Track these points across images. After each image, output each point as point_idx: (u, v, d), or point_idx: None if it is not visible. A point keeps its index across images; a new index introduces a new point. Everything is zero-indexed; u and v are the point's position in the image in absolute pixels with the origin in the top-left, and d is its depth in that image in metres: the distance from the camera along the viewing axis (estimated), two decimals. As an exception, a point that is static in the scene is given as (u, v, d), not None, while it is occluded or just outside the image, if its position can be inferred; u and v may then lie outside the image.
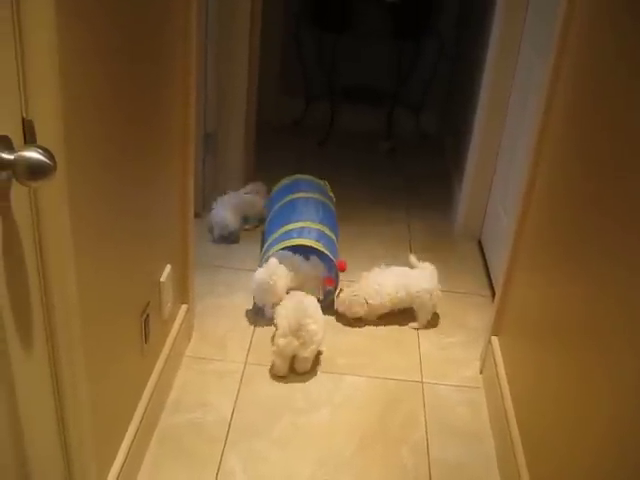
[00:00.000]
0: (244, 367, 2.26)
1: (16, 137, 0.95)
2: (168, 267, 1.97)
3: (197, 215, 2.57)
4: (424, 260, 2.61)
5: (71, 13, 1.10)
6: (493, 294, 2.50)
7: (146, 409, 1.81)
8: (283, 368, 2.21)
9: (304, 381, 2.23)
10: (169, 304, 2.01)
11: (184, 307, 2.23)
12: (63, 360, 1.19)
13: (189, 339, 2.34)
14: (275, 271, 2.36)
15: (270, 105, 3.99)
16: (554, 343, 1.67)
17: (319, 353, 2.30)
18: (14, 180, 0.92)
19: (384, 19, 3.90)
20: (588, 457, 1.36)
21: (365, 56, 4.23)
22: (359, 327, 2.52)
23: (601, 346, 1.36)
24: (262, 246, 2.72)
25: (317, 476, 1.88)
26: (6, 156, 0.89)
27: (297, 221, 2.60)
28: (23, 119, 0.97)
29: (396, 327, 2.53)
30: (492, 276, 2.81)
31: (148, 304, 1.79)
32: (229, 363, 2.27)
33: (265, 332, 2.40)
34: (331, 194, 2.93)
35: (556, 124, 1.84)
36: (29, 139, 0.98)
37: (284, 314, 2.18)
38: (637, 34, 1.36)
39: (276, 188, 2.94)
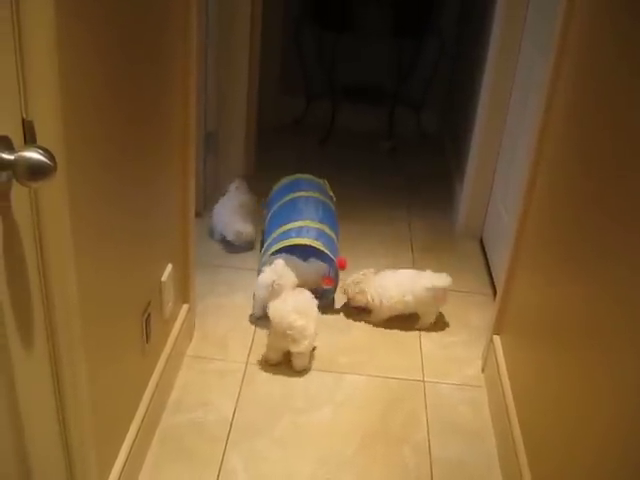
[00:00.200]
0: (245, 367, 2.26)
1: (16, 137, 0.94)
2: (169, 267, 1.97)
3: (198, 215, 2.58)
4: (426, 259, 2.61)
5: (71, 13, 1.10)
6: (495, 293, 2.50)
7: (147, 409, 1.81)
8: (274, 358, 2.25)
9: (305, 380, 2.23)
10: (170, 304, 2.01)
11: (185, 307, 2.23)
12: (64, 360, 1.19)
13: (190, 339, 2.34)
14: (282, 273, 2.35)
15: (270, 104, 3.99)
16: (556, 342, 1.67)
17: (314, 349, 2.30)
18: (14, 180, 0.92)
19: (385, 17, 3.90)
20: (590, 456, 1.36)
21: (366, 55, 4.23)
22: (363, 321, 2.53)
23: (602, 345, 1.36)
24: (262, 245, 2.72)
25: (318, 475, 1.88)
26: (6, 156, 0.89)
27: (297, 220, 2.59)
28: (23, 119, 0.97)
29: (397, 326, 2.53)
30: (494, 275, 2.81)
31: (149, 304, 1.79)
32: (230, 363, 2.27)
33: (266, 332, 2.40)
34: (331, 193, 2.93)
35: (557, 123, 1.84)
36: (29, 139, 0.98)
37: (273, 311, 2.21)
38: (637, 33, 1.35)
39: (276, 187, 2.94)
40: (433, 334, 2.51)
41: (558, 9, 1.84)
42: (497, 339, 2.20)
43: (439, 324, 2.55)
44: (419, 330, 2.52)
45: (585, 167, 1.58)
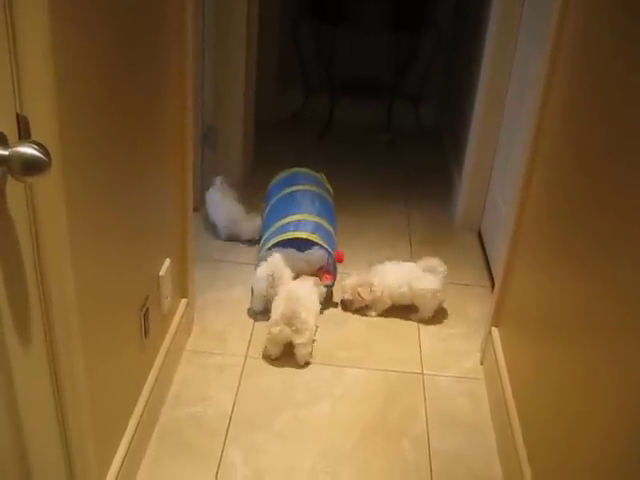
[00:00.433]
0: (244, 360, 2.26)
1: (11, 133, 0.94)
2: (167, 261, 1.97)
3: (196, 209, 2.57)
4: (424, 252, 2.61)
5: (66, 17, 1.10)
6: (493, 285, 2.50)
7: (146, 403, 1.81)
8: (275, 352, 2.25)
9: (304, 374, 2.23)
10: (168, 298, 2.01)
11: (184, 301, 2.23)
12: (61, 356, 1.19)
13: (189, 333, 2.34)
14: (279, 267, 2.37)
15: (268, 99, 3.98)
16: (554, 334, 1.67)
17: (313, 341, 2.31)
18: (9, 176, 0.92)
19: (382, 11, 3.88)
20: (592, 451, 1.35)
21: (363, 49, 4.22)
22: (361, 315, 2.53)
23: (604, 339, 1.35)
24: (260, 239, 2.72)
25: (318, 469, 1.88)
26: (1, 152, 0.89)
27: (294, 214, 2.59)
28: (17, 115, 0.97)
29: (396, 319, 2.53)
30: (492, 267, 2.81)
31: (147, 298, 1.79)
32: (229, 357, 2.27)
33: (265, 325, 2.40)
34: (329, 186, 2.93)
35: (553, 118, 1.84)
36: (24, 135, 0.98)
37: (277, 303, 2.23)
38: (633, 29, 1.35)
39: (273, 181, 2.93)
40: (431, 327, 2.51)
41: (554, 5, 1.85)
42: (495, 331, 2.20)
43: (437, 317, 2.55)
44: (416, 322, 2.52)
45: (581, 162, 1.58)
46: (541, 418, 1.70)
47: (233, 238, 2.91)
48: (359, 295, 2.48)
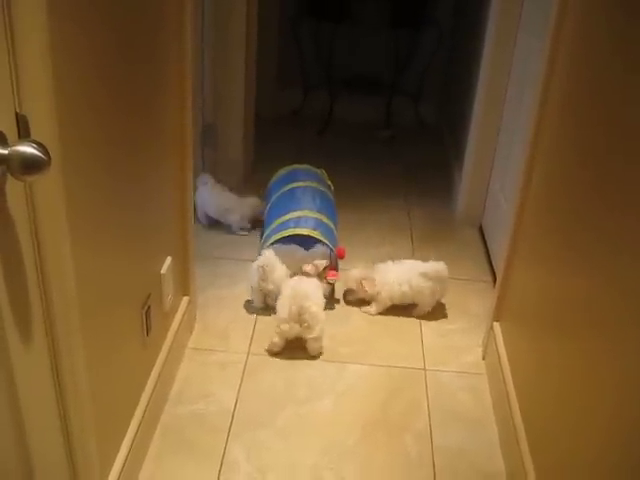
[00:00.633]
0: (247, 358, 2.26)
1: (10, 132, 0.95)
2: (168, 259, 1.98)
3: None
4: (425, 247, 2.61)
5: (65, 17, 1.10)
6: (495, 280, 2.50)
7: (149, 401, 1.82)
8: (280, 346, 2.26)
9: (307, 370, 2.23)
10: (170, 296, 2.01)
11: (185, 299, 2.24)
12: (63, 353, 1.19)
13: (191, 331, 2.34)
14: (270, 260, 2.39)
15: (268, 96, 3.98)
16: (555, 329, 1.67)
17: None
18: (9, 175, 0.92)
19: (382, 8, 3.89)
20: (593, 446, 1.35)
21: (363, 46, 4.22)
22: (363, 312, 2.54)
23: (605, 334, 1.35)
24: (261, 236, 2.72)
25: (321, 465, 1.89)
26: (0, 151, 0.89)
27: (295, 210, 2.59)
28: (17, 114, 0.97)
29: (398, 316, 2.53)
30: (493, 262, 2.81)
31: (149, 296, 1.80)
32: (231, 354, 2.28)
33: (267, 322, 2.41)
34: (329, 182, 2.93)
35: (552, 114, 1.84)
36: (23, 134, 0.98)
37: (283, 301, 2.23)
38: (631, 28, 1.36)
39: (274, 178, 2.94)
40: (433, 322, 2.52)
41: (553, 2, 1.85)
42: (497, 326, 2.21)
43: (439, 312, 2.55)
44: (416, 317, 2.52)
45: (580, 158, 1.59)
46: (543, 412, 1.70)
47: (243, 226, 2.97)
48: (362, 286, 2.49)
